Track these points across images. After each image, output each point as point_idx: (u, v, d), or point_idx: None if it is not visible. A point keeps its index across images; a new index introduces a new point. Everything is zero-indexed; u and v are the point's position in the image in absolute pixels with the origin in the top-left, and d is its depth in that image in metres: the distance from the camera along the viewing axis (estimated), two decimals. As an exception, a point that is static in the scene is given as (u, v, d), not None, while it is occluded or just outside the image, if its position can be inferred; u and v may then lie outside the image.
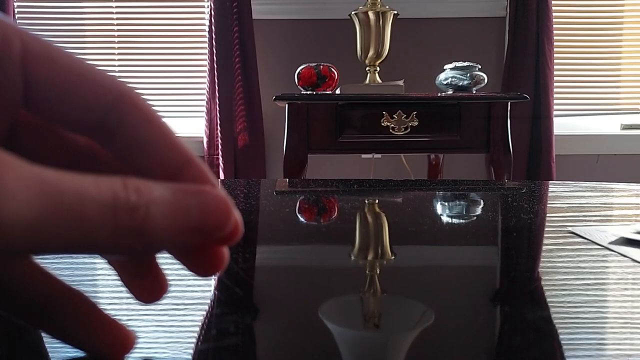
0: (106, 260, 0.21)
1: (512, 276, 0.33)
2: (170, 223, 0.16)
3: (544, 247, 0.40)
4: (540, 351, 0.21)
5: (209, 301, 0.28)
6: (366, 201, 0.63)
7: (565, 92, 2.19)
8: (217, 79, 2.01)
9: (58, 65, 0.18)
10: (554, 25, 2.05)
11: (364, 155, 2.07)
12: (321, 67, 1.60)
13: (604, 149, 2.19)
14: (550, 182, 0.79)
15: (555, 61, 2.07)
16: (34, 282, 0.19)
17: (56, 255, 0.37)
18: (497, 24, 2.14)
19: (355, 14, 1.63)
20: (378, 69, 1.68)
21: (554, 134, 2.07)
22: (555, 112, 2.08)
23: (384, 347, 0.22)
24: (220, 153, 2.04)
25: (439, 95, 1.54)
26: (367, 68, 1.68)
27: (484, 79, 1.57)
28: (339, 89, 1.59)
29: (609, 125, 2.21)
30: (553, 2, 2.05)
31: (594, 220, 0.48)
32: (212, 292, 0.29)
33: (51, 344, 0.20)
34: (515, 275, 0.32)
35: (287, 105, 1.47)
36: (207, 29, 2.03)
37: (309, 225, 0.51)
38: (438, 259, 0.38)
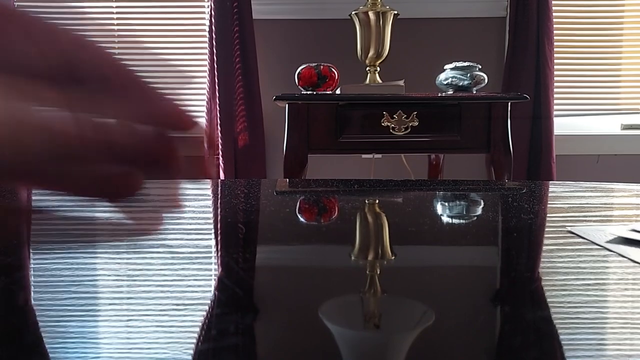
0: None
1: (512, 276, 0.33)
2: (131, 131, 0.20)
3: (544, 248, 0.40)
4: (540, 351, 0.21)
5: (209, 301, 0.28)
6: (366, 201, 0.63)
7: (566, 92, 2.19)
8: (218, 79, 2.01)
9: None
10: (554, 25, 2.05)
11: (364, 155, 2.07)
12: (321, 67, 1.60)
13: (604, 149, 2.19)
14: (551, 182, 0.79)
15: (556, 61, 2.07)
16: None
17: (57, 254, 0.37)
18: (497, 24, 2.14)
19: (356, 14, 1.63)
20: (378, 69, 1.68)
21: (554, 134, 2.06)
22: (555, 112, 2.08)
23: (384, 347, 0.22)
24: (220, 153, 2.04)
25: (439, 95, 1.54)
26: (368, 68, 1.68)
27: (484, 79, 1.57)
28: (339, 89, 1.59)
29: (609, 125, 2.21)
30: (553, 2, 2.05)
31: (594, 221, 0.48)
32: (212, 292, 0.29)
33: (51, 344, 0.20)
34: (515, 276, 0.32)
35: (287, 105, 1.47)
36: (208, 29, 2.03)
37: (309, 226, 0.51)
38: (438, 259, 0.38)
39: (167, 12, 2.13)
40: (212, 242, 0.44)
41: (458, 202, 0.63)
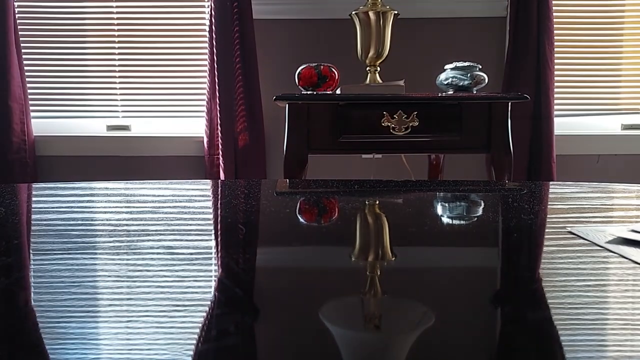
0: None
1: (513, 277, 0.33)
2: None
3: (544, 248, 0.40)
4: (541, 352, 0.21)
5: (209, 302, 0.28)
6: (367, 202, 0.63)
7: (566, 92, 2.18)
8: (218, 79, 2.01)
9: None
10: (555, 25, 2.05)
11: (364, 156, 2.07)
12: (322, 67, 1.60)
13: (605, 149, 2.19)
14: (551, 182, 0.79)
15: (556, 61, 2.07)
16: None
17: (57, 255, 0.37)
18: (497, 24, 2.14)
19: (356, 14, 1.63)
20: (378, 69, 1.68)
21: (554, 134, 2.06)
22: (555, 112, 2.08)
23: (384, 348, 0.22)
24: (220, 153, 2.03)
25: (440, 95, 1.54)
26: (368, 68, 1.68)
27: (485, 79, 1.57)
28: (339, 89, 1.59)
29: (609, 125, 2.21)
30: (553, 2, 2.05)
31: (594, 221, 0.48)
32: (212, 292, 0.29)
33: (51, 344, 0.20)
34: (516, 276, 0.32)
35: (287, 105, 1.47)
36: (208, 29, 2.03)
37: (309, 227, 0.51)
38: (439, 260, 0.38)
39: (167, 12, 2.13)
40: (212, 243, 0.44)
41: (458, 203, 0.63)
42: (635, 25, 2.19)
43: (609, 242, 0.38)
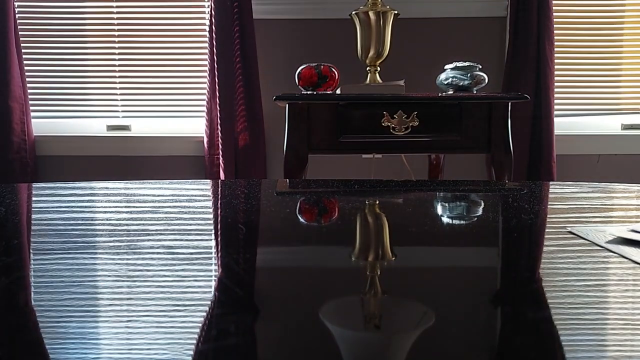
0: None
1: (513, 277, 0.33)
2: None
3: (544, 248, 0.40)
4: (541, 352, 0.21)
5: (209, 302, 0.28)
6: (367, 202, 0.63)
7: (566, 92, 2.18)
8: (218, 79, 2.01)
9: None
10: (555, 25, 2.05)
11: (364, 156, 2.07)
12: (322, 67, 1.60)
13: (605, 149, 2.19)
14: (551, 182, 0.79)
15: (556, 61, 2.07)
16: None
17: (57, 254, 0.37)
18: (497, 24, 2.14)
19: (356, 13, 1.63)
20: (378, 69, 1.68)
21: (555, 133, 2.06)
22: (555, 112, 2.08)
23: (384, 348, 0.22)
24: (220, 153, 2.03)
25: (440, 95, 1.54)
26: (368, 68, 1.68)
27: (485, 79, 1.57)
28: (339, 89, 1.59)
29: (609, 125, 2.21)
30: (553, 2, 2.05)
31: (594, 221, 0.48)
32: (213, 292, 0.29)
33: (52, 344, 0.20)
34: (516, 276, 0.32)
35: (287, 105, 1.47)
36: (208, 29, 2.03)
37: (309, 226, 0.51)
38: (439, 260, 0.38)
39: (167, 12, 2.13)
40: (212, 243, 0.44)
41: (459, 203, 0.63)
42: (635, 25, 2.19)
43: (609, 242, 0.38)
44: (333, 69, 1.62)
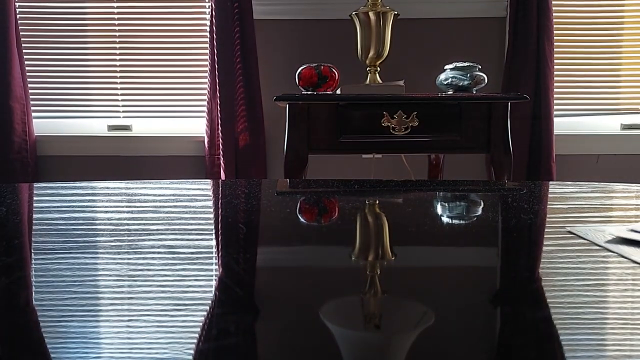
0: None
1: (512, 277, 0.33)
2: None
3: (544, 248, 0.40)
4: (540, 352, 0.21)
5: (209, 302, 0.28)
6: (367, 202, 0.63)
7: (565, 92, 2.18)
8: (218, 79, 2.01)
9: None
10: (554, 25, 2.05)
11: (364, 156, 2.07)
12: (322, 67, 1.60)
13: (604, 149, 2.19)
14: (550, 182, 0.79)
15: (555, 61, 2.07)
16: None
17: (58, 254, 0.37)
18: (497, 24, 2.14)
19: (356, 14, 1.63)
20: (378, 69, 1.68)
21: (554, 133, 2.06)
22: (555, 112, 2.08)
23: (384, 347, 0.22)
24: (221, 153, 2.04)
25: (439, 95, 1.54)
26: (368, 68, 1.68)
27: (484, 79, 1.57)
28: (339, 89, 1.59)
29: (609, 125, 2.21)
30: (553, 2, 2.05)
31: (594, 221, 0.48)
32: (213, 292, 0.30)
33: (53, 344, 0.20)
34: (515, 276, 0.33)
35: (287, 105, 1.47)
36: (208, 29, 2.03)
37: (309, 226, 0.51)
38: (439, 260, 0.38)
39: (168, 12, 2.13)
40: (213, 242, 0.44)
41: (458, 203, 0.63)
42: (635, 25, 2.19)
43: (609, 241, 0.38)
44: (333, 69, 1.62)
